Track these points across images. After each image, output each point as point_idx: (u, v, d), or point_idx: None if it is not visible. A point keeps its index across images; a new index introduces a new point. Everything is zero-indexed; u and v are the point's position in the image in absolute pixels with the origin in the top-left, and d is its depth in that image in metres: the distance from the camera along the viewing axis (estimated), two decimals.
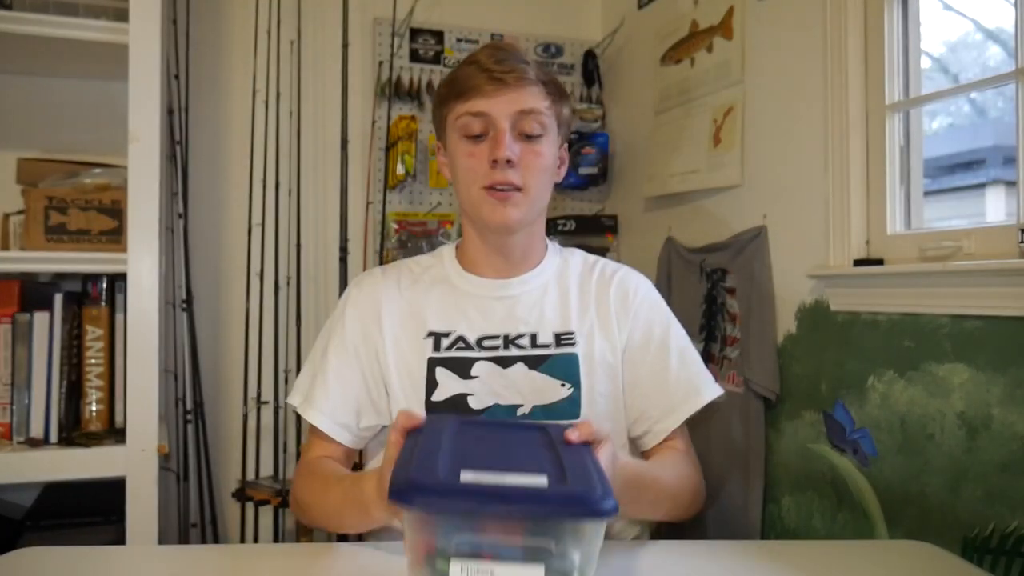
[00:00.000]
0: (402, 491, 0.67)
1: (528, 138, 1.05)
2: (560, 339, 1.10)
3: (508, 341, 1.09)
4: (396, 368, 1.09)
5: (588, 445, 0.79)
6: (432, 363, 1.07)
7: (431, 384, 1.07)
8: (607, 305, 1.13)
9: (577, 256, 1.20)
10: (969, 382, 1.22)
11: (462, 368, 1.07)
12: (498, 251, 1.12)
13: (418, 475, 0.69)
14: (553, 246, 1.19)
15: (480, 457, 0.75)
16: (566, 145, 1.15)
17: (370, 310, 1.12)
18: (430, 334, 1.09)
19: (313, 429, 1.10)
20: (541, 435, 0.82)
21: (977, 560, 1.18)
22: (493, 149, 1.03)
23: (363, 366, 1.10)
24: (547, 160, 1.07)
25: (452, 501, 0.67)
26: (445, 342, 1.09)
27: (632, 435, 1.14)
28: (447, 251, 1.18)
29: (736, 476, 1.71)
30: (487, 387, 1.06)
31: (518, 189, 1.04)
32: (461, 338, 1.09)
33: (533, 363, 1.07)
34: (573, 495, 0.68)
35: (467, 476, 0.68)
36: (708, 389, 1.13)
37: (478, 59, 1.06)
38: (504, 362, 1.07)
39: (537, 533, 0.69)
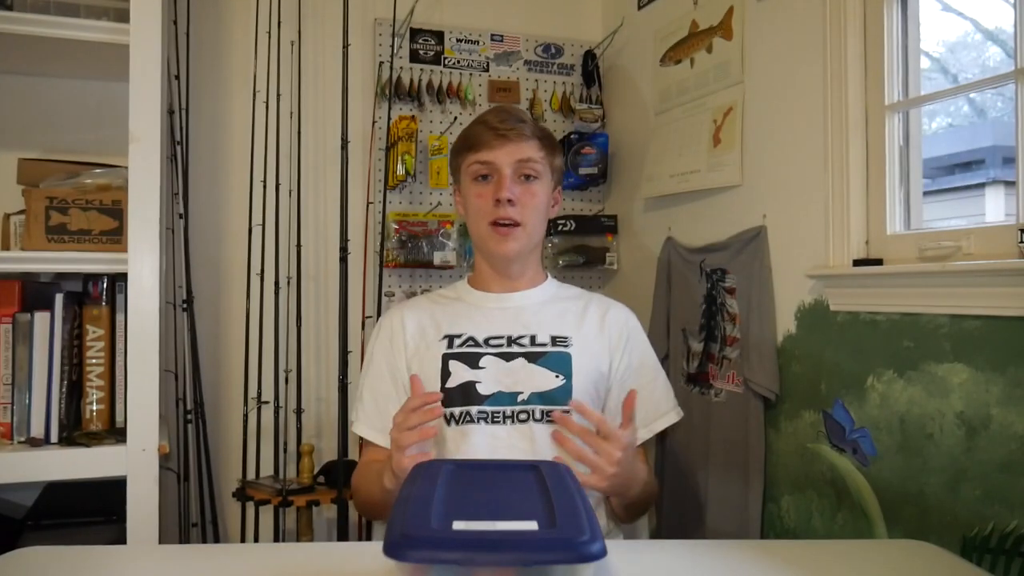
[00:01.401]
0: (396, 545, 0.71)
1: (526, 181, 1.30)
2: (556, 340, 1.30)
3: (511, 340, 1.30)
4: (416, 364, 1.30)
5: (577, 482, 0.87)
6: (446, 357, 1.28)
7: (445, 374, 1.27)
8: (605, 330, 1.34)
9: (574, 290, 1.43)
10: (968, 382, 1.22)
11: (471, 360, 1.28)
12: (502, 272, 1.36)
13: (411, 528, 0.73)
14: (551, 278, 1.43)
15: (472, 503, 0.81)
16: (559, 188, 1.39)
17: (394, 328, 1.35)
18: (445, 336, 1.31)
19: (364, 439, 1.33)
20: (533, 474, 0.90)
21: (977, 560, 1.18)
22: (497, 190, 1.27)
23: (391, 376, 1.32)
24: (541, 200, 1.31)
25: (444, 553, 0.71)
26: (457, 341, 1.30)
27: None
28: (461, 281, 1.43)
29: (736, 476, 1.71)
30: (493, 376, 1.26)
31: (517, 224, 1.28)
32: (471, 338, 1.30)
33: (532, 358, 1.28)
34: (561, 541, 0.72)
35: (459, 525, 0.74)
36: (675, 412, 1.38)
37: (486, 119, 1.31)
38: (507, 357, 1.28)
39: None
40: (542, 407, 1.24)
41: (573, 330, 1.32)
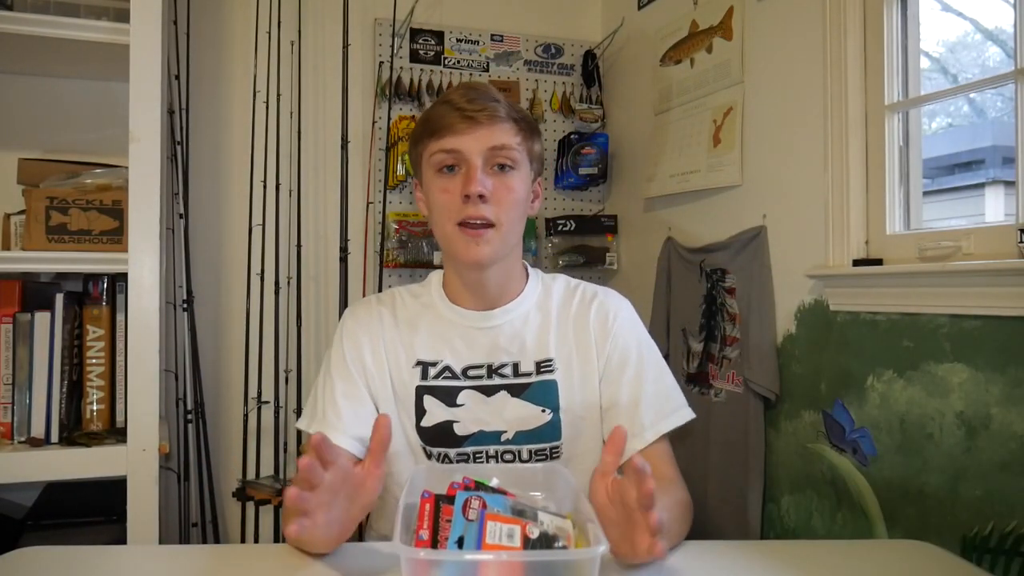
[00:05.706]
0: None
1: (500, 172, 1.08)
2: (540, 367, 1.14)
3: (492, 371, 1.13)
4: (391, 394, 1.14)
5: None
6: (420, 391, 1.12)
7: (420, 411, 1.12)
8: (587, 330, 1.16)
9: (560, 282, 1.23)
10: (968, 382, 1.22)
11: (448, 396, 1.12)
12: (474, 288, 1.14)
13: None
14: (535, 273, 1.21)
15: None
16: (540, 179, 1.18)
17: (364, 340, 1.16)
18: (418, 363, 1.14)
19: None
20: None
21: (976, 560, 1.18)
22: (465, 184, 1.06)
23: (366, 386, 1.14)
24: (519, 194, 1.10)
25: None
26: (432, 371, 1.13)
27: None
28: (435, 280, 1.21)
29: (736, 476, 1.71)
30: (472, 414, 1.11)
31: (490, 225, 1.07)
32: (447, 368, 1.13)
33: (515, 391, 1.12)
34: None
35: None
36: (677, 415, 1.15)
37: (451, 99, 1.09)
38: (488, 391, 1.12)
39: None
40: (529, 447, 1.11)
41: (558, 346, 1.15)
